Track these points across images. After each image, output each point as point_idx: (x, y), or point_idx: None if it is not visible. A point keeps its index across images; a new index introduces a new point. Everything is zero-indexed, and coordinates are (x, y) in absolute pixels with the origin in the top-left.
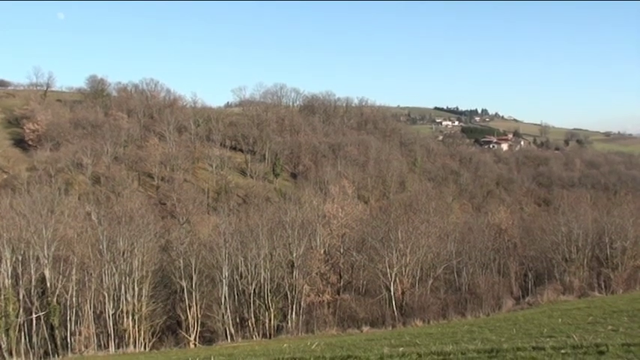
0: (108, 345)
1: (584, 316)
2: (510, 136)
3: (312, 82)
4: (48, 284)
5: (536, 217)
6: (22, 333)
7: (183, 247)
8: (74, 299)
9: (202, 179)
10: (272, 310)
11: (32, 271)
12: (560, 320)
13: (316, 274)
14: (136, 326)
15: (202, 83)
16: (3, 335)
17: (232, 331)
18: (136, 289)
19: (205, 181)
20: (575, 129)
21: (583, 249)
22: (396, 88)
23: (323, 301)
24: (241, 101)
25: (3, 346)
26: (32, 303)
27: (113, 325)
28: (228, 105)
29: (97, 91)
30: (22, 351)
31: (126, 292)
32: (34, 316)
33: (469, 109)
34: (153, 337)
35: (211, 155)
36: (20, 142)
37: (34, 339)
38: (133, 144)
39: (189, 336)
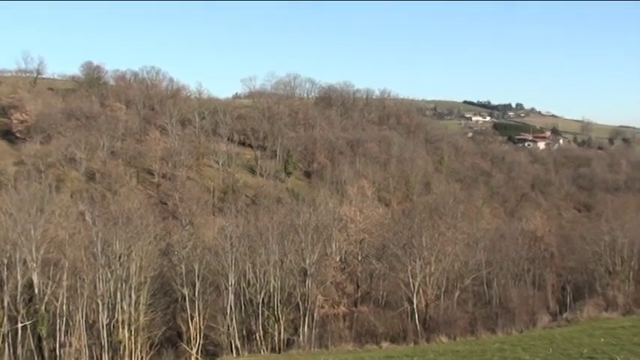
0: (101, 358)
1: (629, 335)
2: (548, 133)
3: (328, 72)
4: (36, 290)
5: (576, 224)
6: (6, 344)
7: (186, 252)
8: (64, 307)
9: (207, 177)
10: (282, 322)
11: (19, 276)
12: (602, 340)
13: (331, 283)
14: (133, 337)
15: (208, 72)
16: None
17: (238, 344)
18: (133, 296)
19: (211, 180)
20: (621, 126)
21: (629, 260)
22: (421, 80)
23: (338, 313)
24: (251, 92)
25: None
26: (18, 311)
27: (107, 336)
28: (236, 96)
29: (92, 79)
30: None
31: (122, 300)
32: (19, 325)
33: (502, 104)
34: (151, 349)
35: (217, 151)
36: (7, 134)
37: (19, 350)
38: (132, 137)
39: (191, 349)
